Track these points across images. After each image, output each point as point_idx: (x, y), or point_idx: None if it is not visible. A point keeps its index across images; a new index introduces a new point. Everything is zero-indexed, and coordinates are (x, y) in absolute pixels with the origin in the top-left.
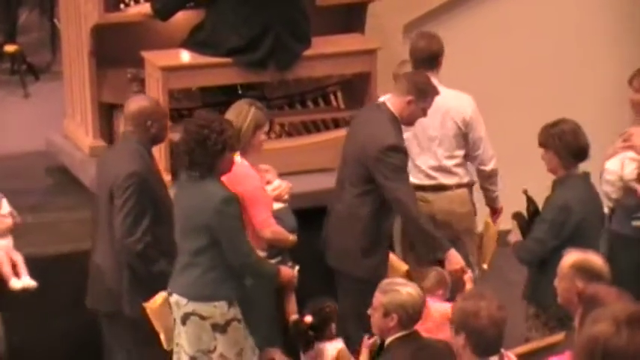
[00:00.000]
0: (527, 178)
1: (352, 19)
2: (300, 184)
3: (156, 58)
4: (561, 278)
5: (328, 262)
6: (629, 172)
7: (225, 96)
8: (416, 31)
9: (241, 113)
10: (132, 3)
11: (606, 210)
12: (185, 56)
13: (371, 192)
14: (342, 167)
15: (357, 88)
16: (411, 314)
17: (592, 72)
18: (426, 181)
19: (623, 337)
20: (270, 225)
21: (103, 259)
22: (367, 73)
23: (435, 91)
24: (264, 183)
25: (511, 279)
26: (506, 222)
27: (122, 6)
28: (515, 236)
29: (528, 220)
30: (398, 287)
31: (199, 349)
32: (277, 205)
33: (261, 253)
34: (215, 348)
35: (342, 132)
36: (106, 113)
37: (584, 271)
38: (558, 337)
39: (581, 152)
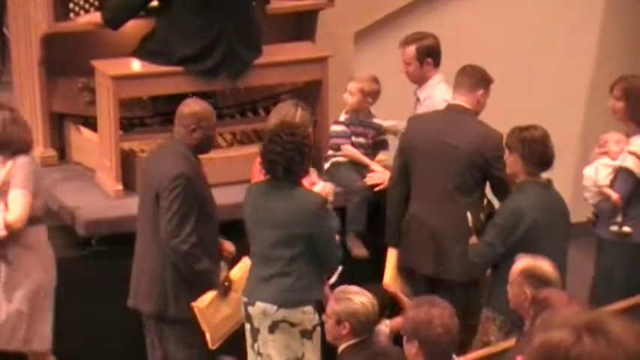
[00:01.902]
0: None
1: (303, 27)
2: None
3: (106, 67)
4: (511, 284)
5: (442, 274)
6: (603, 177)
7: (176, 105)
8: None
9: (288, 115)
10: (82, 12)
11: (590, 215)
12: (136, 65)
13: (479, 195)
14: (431, 181)
15: (308, 96)
16: (363, 323)
17: (558, 77)
18: None
19: (587, 345)
20: None
21: (147, 259)
22: (319, 81)
23: None
24: (309, 184)
25: None
26: None
27: (72, 15)
28: (472, 238)
29: (483, 223)
30: (351, 296)
31: (288, 357)
32: None
33: None
34: (303, 355)
35: None
36: (57, 123)
37: (533, 277)
38: (511, 342)
39: (547, 161)
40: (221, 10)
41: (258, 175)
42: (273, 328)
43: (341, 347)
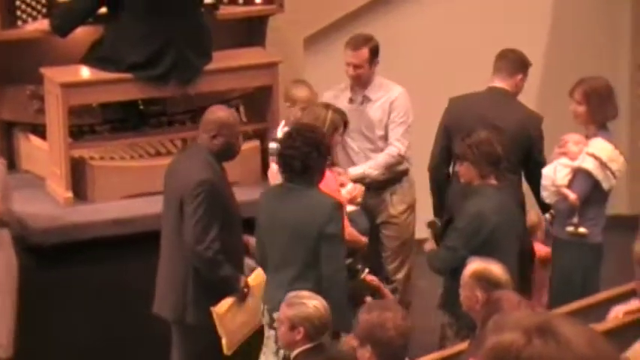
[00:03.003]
0: None
1: (253, 32)
2: None
3: (55, 75)
4: (463, 287)
5: None
6: (561, 177)
7: (126, 112)
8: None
9: (319, 117)
10: (30, 20)
11: (548, 216)
12: (85, 72)
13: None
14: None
15: (259, 102)
16: (318, 327)
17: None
18: None
19: (537, 347)
20: (345, 227)
21: (170, 265)
22: (269, 87)
23: None
24: (338, 185)
25: (420, 287)
26: (422, 230)
27: (20, 23)
28: (430, 245)
29: (442, 228)
30: (304, 300)
31: None
32: (350, 208)
33: None
34: None
35: (245, 145)
36: (6, 131)
37: (483, 279)
38: (464, 345)
39: (497, 160)
40: (170, 16)
41: (274, 177)
42: None
43: (294, 352)
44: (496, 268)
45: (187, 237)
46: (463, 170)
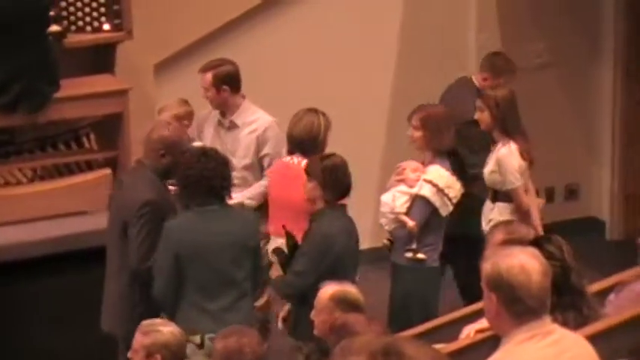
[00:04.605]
0: None
1: (102, 60)
2: (55, 229)
3: None
4: (320, 311)
5: None
6: (400, 205)
7: None
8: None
9: (315, 123)
10: None
11: (385, 242)
12: None
13: None
14: None
15: (109, 129)
16: (175, 352)
17: (357, 104)
18: None
19: None
20: None
21: (116, 283)
22: (119, 114)
23: None
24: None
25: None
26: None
27: None
28: (276, 271)
29: (288, 254)
30: (159, 327)
31: None
32: None
33: None
34: None
35: (95, 174)
36: None
37: (343, 302)
38: None
39: (347, 189)
40: (17, 45)
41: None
42: None
43: None
44: (353, 291)
45: (133, 256)
46: (309, 188)
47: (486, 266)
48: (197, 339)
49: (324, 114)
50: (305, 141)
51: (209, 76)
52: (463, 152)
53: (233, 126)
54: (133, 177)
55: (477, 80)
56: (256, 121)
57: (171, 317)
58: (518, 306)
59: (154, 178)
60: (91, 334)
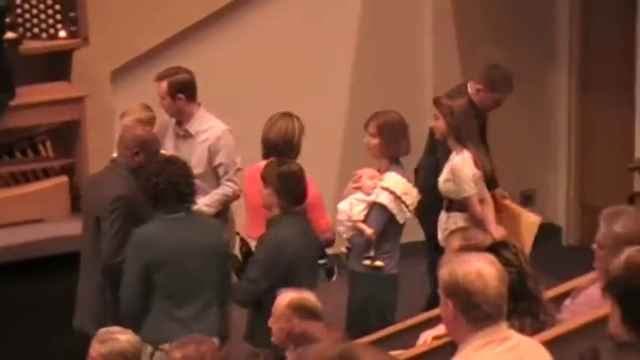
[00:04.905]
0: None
1: (58, 67)
2: (11, 237)
3: None
4: (277, 318)
5: None
6: (357, 212)
7: None
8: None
9: (289, 126)
10: None
11: (343, 249)
12: None
13: None
14: None
15: (66, 137)
16: None
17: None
18: None
19: None
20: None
21: (90, 281)
22: (76, 121)
23: None
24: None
25: (233, 317)
26: None
27: None
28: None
29: (242, 261)
30: (117, 336)
31: None
32: None
33: None
34: None
35: (52, 181)
36: None
37: (301, 309)
38: None
39: (302, 197)
40: None
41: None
42: None
43: None
44: (311, 298)
45: (104, 250)
46: (265, 195)
47: (443, 273)
48: (167, 347)
49: (298, 118)
50: (280, 145)
51: (164, 84)
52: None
53: (187, 134)
54: (106, 174)
55: (470, 88)
56: (209, 130)
57: (137, 327)
58: (475, 312)
59: (127, 174)
60: (46, 341)
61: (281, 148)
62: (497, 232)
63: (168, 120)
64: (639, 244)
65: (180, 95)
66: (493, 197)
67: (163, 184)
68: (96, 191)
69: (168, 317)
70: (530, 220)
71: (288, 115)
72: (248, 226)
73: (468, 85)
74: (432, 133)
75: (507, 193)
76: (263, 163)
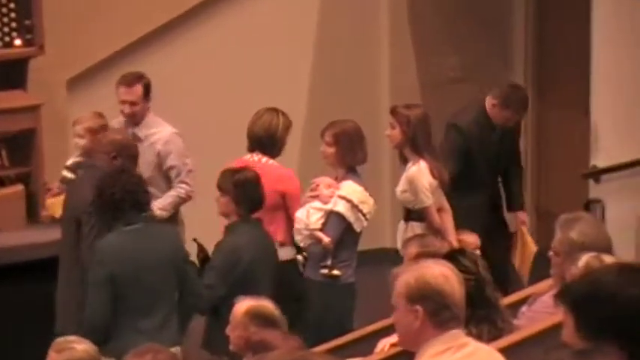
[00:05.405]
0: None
1: (13, 75)
2: None
3: None
4: (235, 326)
5: None
6: (314, 221)
7: None
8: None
9: (272, 121)
10: None
11: (300, 258)
12: None
13: None
14: None
15: (22, 145)
16: None
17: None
18: None
19: None
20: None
21: (70, 284)
22: (32, 130)
23: None
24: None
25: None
26: None
27: None
28: None
29: (200, 267)
30: (74, 345)
31: None
32: None
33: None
34: None
35: (7, 190)
36: None
37: (258, 317)
38: None
39: (259, 203)
40: None
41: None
42: None
43: None
44: (269, 305)
45: (85, 256)
46: (222, 203)
47: (407, 280)
48: None
49: (284, 114)
50: (262, 139)
51: (139, 87)
52: None
53: (136, 139)
54: (85, 178)
55: (487, 102)
56: (157, 134)
57: (106, 340)
58: (445, 314)
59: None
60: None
61: (264, 142)
62: (455, 239)
63: (114, 124)
64: (595, 251)
65: (150, 97)
66: (516, 218)
67: (119, 194)
68: (76, 195)
69: (132, 329)
70: (532, 250)
71: (274, 110)
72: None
73: (487, 98)
74: None
75: (527, 218)
76: (248, 157)
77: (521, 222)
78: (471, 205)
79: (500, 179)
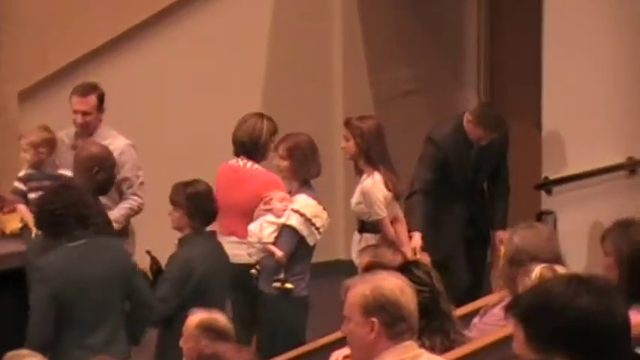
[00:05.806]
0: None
1: None
2: None
3: None
4: (187, 339)
5: None
6: (267, 234)
7: None
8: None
9: (256, 126)
10: None
11: (253, 271)
12: None
13: None
14: None
15: None
16: None
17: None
18: None
19: None
20: None
21: None
22: None
23: None
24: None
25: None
26: None
27: None
28: None
29: (152, 279)
30: (25, 359)
31: None
32: None
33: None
34: None
35: None
36: None
37: (210, 330)
38: None
39: (212, 216)
40: None
41: None
42: None
43: None
44: (222, 318)
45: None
46: (176, 217)
47: (363, 291)
48: None
49: (269, 119)
50: (246, 143)
51: (93, 98)
52: None
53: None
54: None
55: (465, 117)
56: (111, 145)
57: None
58: (401, 325)
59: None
60: None
61: (248, 147)
62: (410, 251)
63: (62, 135)
64: (542, 260)
65: (103, 108)
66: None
67: (61, 209)
68: None
69: (77, 346)
70: None
71: (259, 115)
72: (218, 224)
73: (465, 113)
74: None
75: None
76: (233, 161)
77: (499, 241)
78: (450, 216)
79: (487, 195)
